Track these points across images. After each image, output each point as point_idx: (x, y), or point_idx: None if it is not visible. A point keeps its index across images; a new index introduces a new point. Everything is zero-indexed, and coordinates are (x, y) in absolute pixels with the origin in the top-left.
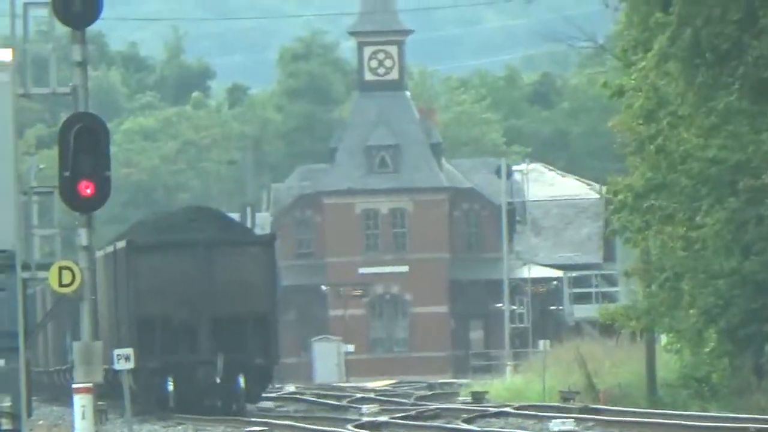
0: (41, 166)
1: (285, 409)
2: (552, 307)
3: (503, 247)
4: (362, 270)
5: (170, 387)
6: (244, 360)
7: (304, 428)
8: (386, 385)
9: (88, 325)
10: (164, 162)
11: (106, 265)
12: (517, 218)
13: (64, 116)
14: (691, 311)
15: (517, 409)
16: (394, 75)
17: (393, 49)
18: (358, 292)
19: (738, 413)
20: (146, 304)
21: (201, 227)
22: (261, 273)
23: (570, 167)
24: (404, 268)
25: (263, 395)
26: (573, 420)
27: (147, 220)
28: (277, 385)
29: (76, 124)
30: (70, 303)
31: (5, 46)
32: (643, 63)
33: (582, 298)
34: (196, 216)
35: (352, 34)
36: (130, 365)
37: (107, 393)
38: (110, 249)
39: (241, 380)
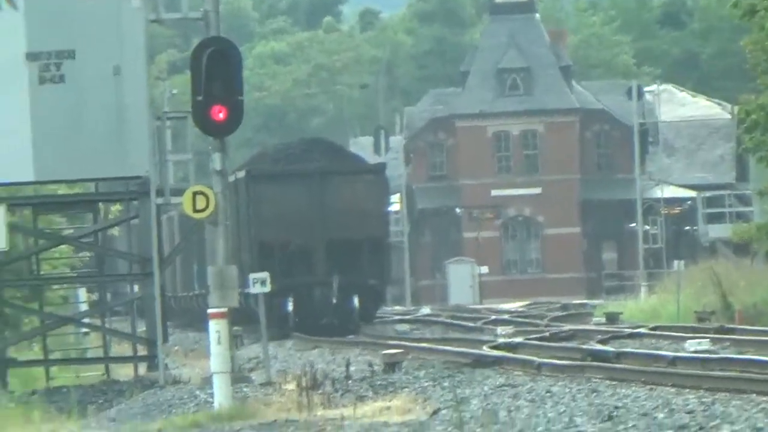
0: (174, 92)
1: (420, 331)
2: (686, 228)
3: (635, 168)
4: (495, 192)
5: (290, 307)
6: (358, 281)
7: (440, 350)
8: (520, 307)
9: (223, 250)
10: (297, 86)
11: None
12: (650, 139)
13: (196, 41)
14: None
15: (652, 329)
16: None
17: None
18: (491, 215)
19: None
20: (266, 230)
21: (316, 158)
22: (372, 199)
23: (700, 88)
24: (536, 190)
25: (383, 315)
26: (708, 340)
27: (265, 152)
28: (412, 308)
29: (208, 48)
30: (198, 230)
31: None
32: None
33: (716, 218)
34: (311, 147)
35: None
36: (266, 289)
37: (237, 317)
38: (231, 178)
39: (356, 300)
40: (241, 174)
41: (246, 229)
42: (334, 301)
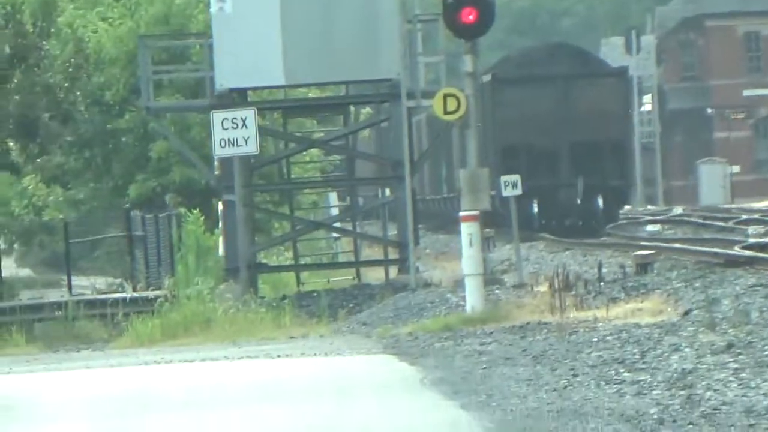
0: None
1: (672, 231)
2: None
3: None
4: (746, 92)
5: (535, 209)
6: (601, 182)
7: (691, 251)
8: None
9: (475, 152)
10: None
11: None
12: None
13: None
14: None
15: None
16: None
17: None
18: (743, 115)
19: None
20: (510, 134)
21: (560, 62)
22: (615, 102)
23: None
24: None
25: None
26: None
27: (511, 56)
28: (664, 208)
29: None
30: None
31: None
32: None
33: None
34: (555, 51)
35: None
36: (518, 191)
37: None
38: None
39: (600, 201)
40: (487, 78)
41: (491, 132)
42: (579, 202)
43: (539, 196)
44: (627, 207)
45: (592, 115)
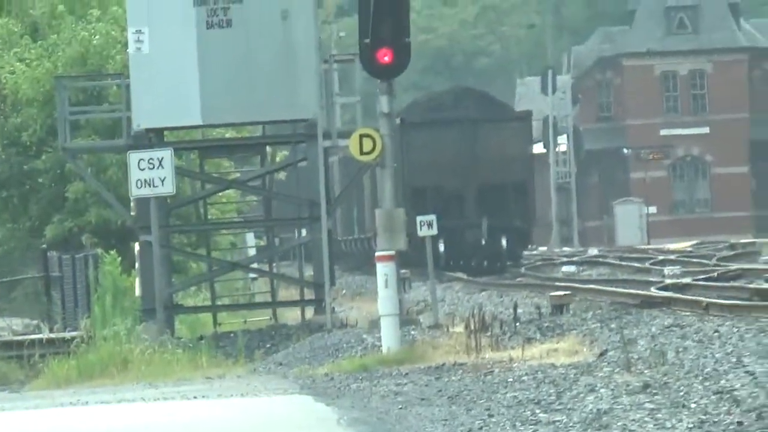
0: (341, 34)
1: (588, 272)
2: None
3: None
4: (663, 132)
5: (441, 248)
6: (505, 223)
7: (607, 291)
8: (687, 247)
9: (391, 193)
10: (463, 27)
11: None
12: None
13: None
14: None
15: None
16: None
17: None
18: (659, 155)
19: None
20: (418, 176)
21: (466, 106)
22: (519, 145)
23: None
24: (704, 130)
25: (524, 253)
26: None
27: (418, 100)
28: (580, 248)
29: None
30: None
31: None
32: None
33: None
34: (462, 96)
35: None
36: (434, 231)
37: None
38: None
39: (504, 241)
40: (396, 121)
41: (400, 174)
42: (483, 242)
43: (446, 236)
44: (543, 248)
45: (496, 158)
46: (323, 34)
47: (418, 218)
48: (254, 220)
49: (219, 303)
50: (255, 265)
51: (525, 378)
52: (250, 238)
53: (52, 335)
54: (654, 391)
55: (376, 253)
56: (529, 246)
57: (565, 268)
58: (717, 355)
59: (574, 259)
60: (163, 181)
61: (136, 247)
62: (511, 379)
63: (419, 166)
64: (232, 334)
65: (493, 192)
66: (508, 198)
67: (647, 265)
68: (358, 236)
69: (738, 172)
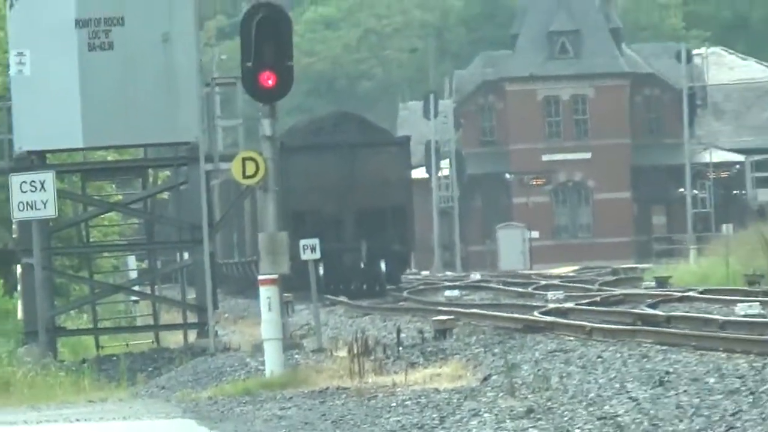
0: (223, 57)
1: (471, 297)
2: (735, 192)
3: (684, 132)
4: (545, 157)
5: (321, 272)
6: (384, 246)
7: (490, 316)
8: (570, 271)
9: (273, 216)
10: (346, 51)
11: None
12: (698, 102)
13: (245, 6)
14: None
15: (702, 293)
16: None
17: None
18: (541, 180)
19: None
20: (298, 200)
21: (345, 130)
22: (398, 170)
23: (750, 51)
24: (586, 155)
25: (403, 277)
26: (759, 304)
27: (298, 125)
28: (462, 273)
29: (257, 14)
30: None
31: None
32: None
33: (764, 182)
34: (341, 121)
35: None
36: (317, 255)
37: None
38: None
39: (382, 264)
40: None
41: (279, 197)
42: (362, 265)
43: (325, 260)
44: (425, 272)
45: (375, 183)
46: (205, 56)
47: (301, 242)
48: (136, 243)
49: (101, 326)
50: (137, 288)
51: (408, 403)
52: (132, 261)
53: None
54: (538, 416)
55: (259, 277)
56: (408, 269)
57: (448, 293)
58: (601, 381)
59: (457, 283)
60: (45, 204)
61: (18, 269)
62: (394, 404)
63: (299, 190)
64: (114, 358)
65: (372, 216)
66: (386, 222)
67: (530, 289)
68: (239, 260)
69: (620, 198)
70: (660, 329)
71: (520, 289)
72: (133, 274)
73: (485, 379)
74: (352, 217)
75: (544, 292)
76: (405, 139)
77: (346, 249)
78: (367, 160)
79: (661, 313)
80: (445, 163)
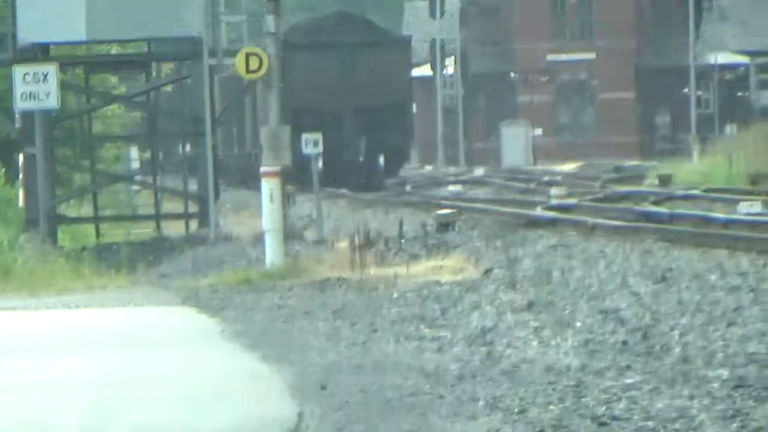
0: None
1: (474, 192)
2: (739, 94)
3: (690, 34)
4: (550, 57)
5: (320, 165)
6: (383, 142)
7: (493, 211)
8: (573, 168)
9: (276, 111)
10: None
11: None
12: (705, 4)
13: None
14: None
15: (705, 191)
16: None
17: None
18: (545, 79)
19: None
20: (299, 96)
21: (347, 30)
22: (398, 69)
23: None
24: (591, 55)
25: (401, 172)
26: (761, 202)
27: (300, 24)
28: (465, 169)
29: None
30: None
31: None
32: None
33: None
34: (343, 20)
35: None
36: (319, 150)
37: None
38: None
39: (381, 159)
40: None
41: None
42: (361, 159)
43: (325, 155)
44: (429, 167)
45: (375, 81)
46: None
47: (304, 136)
48: (138, 134)
49: (102, 215)
50: (139, 178)
51: (409, 294)
52: (134, 153)
53: None
54: (539, 310)
55: (261, 169)
56: (407, 164)
57: (451, 188)
58: (602, 276)
59: (461, 178)
60: (48, 95)
61: (21, 158)
62: (395, 296)
63: (300, 88)
64: (114, 246)
65: (372, 113)
66: (386, 119)
67: (533, 185)
68: (239, 153)
69: (623, 98)
70: (662, 226)
71: (523, 185)
72: (135, 165)
73: (487, 272)
74: (352, 114)
75: (547, 188)
76: (406, 39)
77: (346, 145)
78: (368, 59)
79: (664, 210)
80: (449, 61)
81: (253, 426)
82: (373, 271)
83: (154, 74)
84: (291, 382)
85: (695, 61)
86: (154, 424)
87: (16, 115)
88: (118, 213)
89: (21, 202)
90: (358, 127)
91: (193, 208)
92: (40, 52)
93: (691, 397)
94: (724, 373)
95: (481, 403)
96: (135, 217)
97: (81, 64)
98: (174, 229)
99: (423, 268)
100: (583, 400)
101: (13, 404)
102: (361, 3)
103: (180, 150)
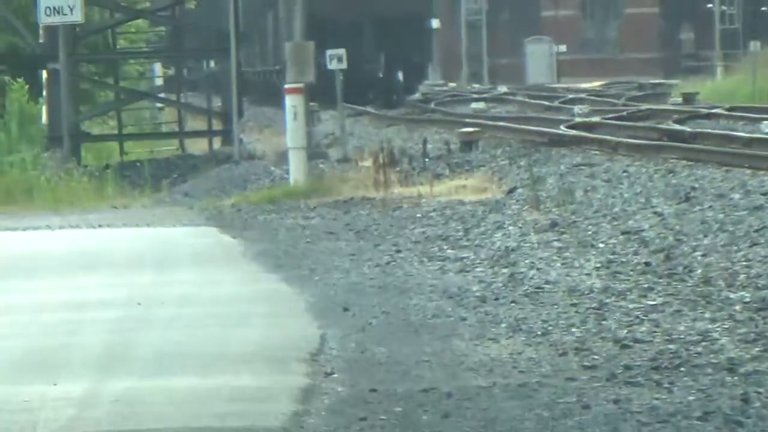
0: None
1: (497, 109)
2: (763, 8)
3: None
4: None
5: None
6: (402, 57)
7: (516, 129)
8: (597, 86)
9: (300, 25)
10: None
11: None
12: None
13: None
14: None
15: (728, 110)
16: None
17: None
18: None
19: None
20: (317, 8)
21: None
22: None
23: None
24: None
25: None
26: None
27: None
28: (488, 86)
29: None
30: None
31: None
32: None
33: None
34: None
35: None
36: (343, 65)
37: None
38: None
39: (400, 75)
40: None
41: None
42: (381, 75)
43: (345, 70)
44: (452, 84)
45: None
46: None
47: (328, 52)
48: (162, 51)
49: (126, 132)
50: (163, 95)
51: (433, 214)
52: (157, 69)
53: None
54: (562, 230)
55: (285, 86)
56: (426, 80)
57: (474, 105)
58: (626, 195)
59: (484, 95)
60: (72, 9)
61: (44, 75)
62: (419, 215)
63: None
64: (138, 164)
65: (391, 26)
66: (405, 33)
67: (557, 103)
68: (261, 69)
69: (648, 13)
70: (686, 145)
71: (547, 103)
72: (159, 82)
73: (510, 191)
74: (371, 28)
75: (571, 106)
76: None
77: (365, 59)
78: None
79: (687, 129)
80: None
81: (276, 348)
82: (396, 189)
83: None
84: (313, 304)
85: None
86: (177, 346)
87: (40, 30)
88: (142, 130)
89: (44, 119)
90: (378, 41)
91: (216, 125)
92: None
93: (713, 320)
94: (747, 295)
95: (503, 325)
96: (159, 135)
97: None
98: (198, 146)
99: (446, 188)
100: (605, 322)
101: (36, 325)
102: None
103: (204, 66)
